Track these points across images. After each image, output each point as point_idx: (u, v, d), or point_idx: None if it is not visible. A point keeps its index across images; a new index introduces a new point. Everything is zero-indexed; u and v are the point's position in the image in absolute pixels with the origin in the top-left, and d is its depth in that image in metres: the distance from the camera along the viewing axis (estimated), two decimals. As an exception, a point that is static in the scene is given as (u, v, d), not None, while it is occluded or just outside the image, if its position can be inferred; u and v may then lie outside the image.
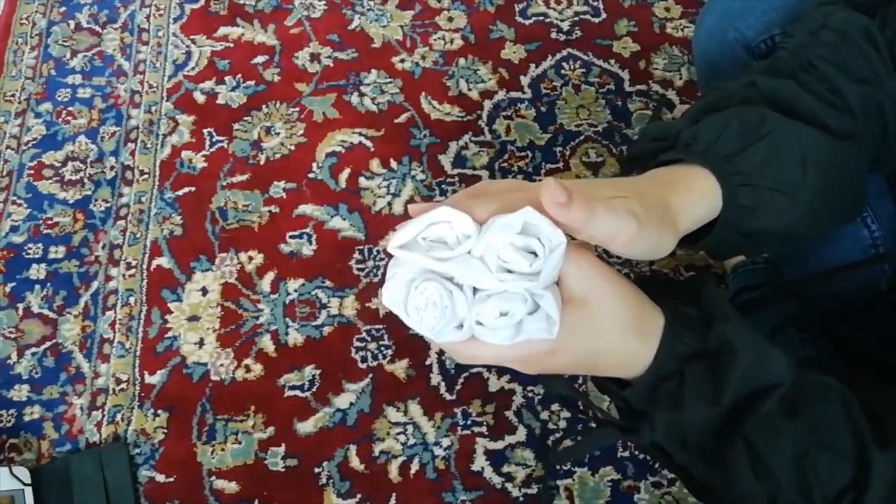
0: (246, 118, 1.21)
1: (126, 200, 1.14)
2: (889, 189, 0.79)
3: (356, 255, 1.10)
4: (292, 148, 1.18)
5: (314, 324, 1.04)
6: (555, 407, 0.99)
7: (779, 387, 0.46)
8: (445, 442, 0.97)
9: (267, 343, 1.03)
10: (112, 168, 1.17)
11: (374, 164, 1.17)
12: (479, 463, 0.96)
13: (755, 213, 0.51)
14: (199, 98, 1.23)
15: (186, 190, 1.14)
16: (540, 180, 0.48)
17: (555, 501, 0.94)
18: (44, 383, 1.00)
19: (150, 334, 1.03)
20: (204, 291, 1.07)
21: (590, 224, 0.43)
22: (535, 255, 0.42)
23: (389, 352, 1.02)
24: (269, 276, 1.08)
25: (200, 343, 1.03)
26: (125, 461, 0.94)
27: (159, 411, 0.98)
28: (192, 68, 1.26)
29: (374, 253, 1.10)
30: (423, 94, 1.24)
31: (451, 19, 1.32)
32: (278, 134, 1.19)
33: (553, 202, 0.42)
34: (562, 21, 1.32)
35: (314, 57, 1.27)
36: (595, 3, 1.34)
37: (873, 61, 0.55)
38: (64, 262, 1.09)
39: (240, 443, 0.97)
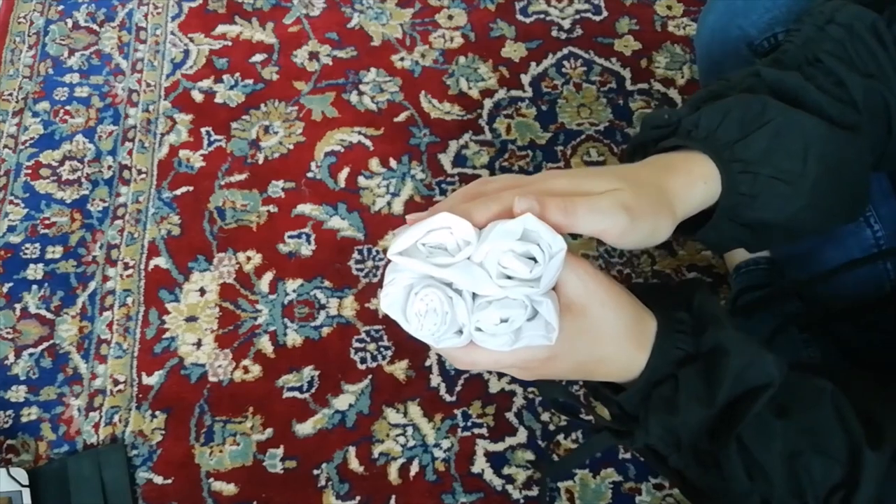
0: (244, 117, 1.20)
1: (123, 200, 1.13)
2: (893, 189, 0.78)
3: (355, 255, 1.09)
4: (291, 147, 1.17)
5: (313, 324, 1.04)
6: (564, 417, 0.98)
7: (769, 387, 0.47)
8: (445, 443, 0.96)
9: (265, 344, 1.02)
10: (110, 167, 1.16)
11: (374, 164, 1.16)
12: (480, 465, 0.95)
13: (755, 201, 0.50)
14: (197, 97, 1.22)
15: (184, 189, 1.14)
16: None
17: (556, 503, 0.93)
18: (41, 384, 1.00)
19: (148, 335, 1.03)
20: (202, 292, 1.06)
21: (572, 226, 0.43)
22: (535, 260, 0.42)
23: (389, 353, 1.01)
24: (268, 276, 1.07)
25: (198, 344, 1.02)
26: (123, 462, 0.94)
27: (157, 412, 0.98)
28: (190, 67, 1.25)
29: (374, 253, 1.09)
30: (423, 92, 1.23)
31: (451, 17, 1.31)
32: (277, 133, 1.19)
33: (523, 206, 0.42)
34: (563, 19, 1.31)
35: (313, 55, 1.27)
36: (596, 2, 1.33)
37: (880, 57, 0.55)
38: (61, 263, 1.08)
39: (238, 444, 0.96)
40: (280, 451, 0.96)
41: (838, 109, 0.53)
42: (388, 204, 1.13)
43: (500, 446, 0.96)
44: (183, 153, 1.17)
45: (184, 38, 1.28)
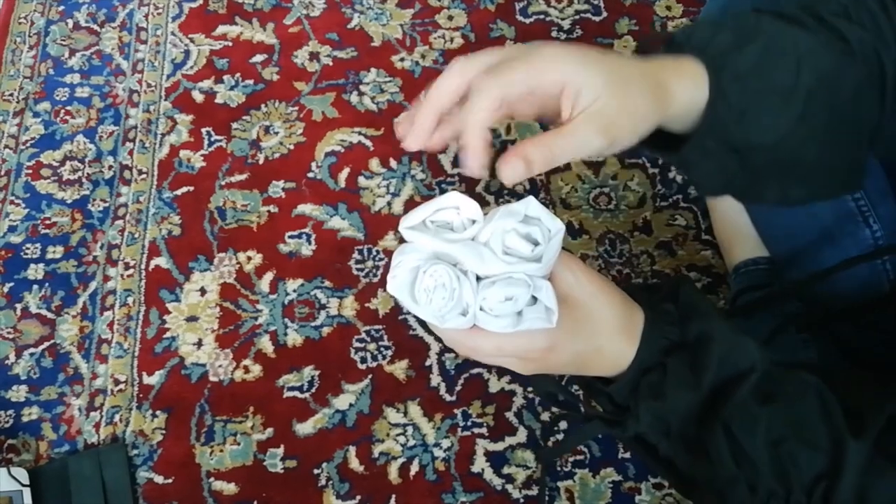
0: (245, 117, 1.20)
1: (124, 200, 1.13)
2: (892, 189, 0.79)
3: (355, 255, 1.09)
4: (291, 147, 1.18)
5: (313, 324, 1.04)
6: (555, 409, 0.98)
7: (752, 371, 0.50)
8: (445, 443, 0.96)
9: (266, 344, 1.03)
10: (110, 167, 1.16)
11: (374, 164, 1.16)
12: (480, 464, 0.95)
13: (744, 116, 0.49)
14: (198, 97, 1.22)
15: (185, 190, 1.14)
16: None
17: (555, 503, 0.93)
18: (42, 384, 1.00)
19: (149, 335, 1.03)
20: (202, 292, 1.06)
21: (557, 162, 0.45)
22: (536, 243, 0.45)
23: (389, 352, 1.02)
24: (268, 276, 1.07)
25: (199, 344, 1.02)
26: (124, 462, 0.94)
27: (158, 412, 0.98)
28: (191, 67, 1.25)
29: (374, 253, 1.09)
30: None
31: (451, 18, 1.31)
32: (277, 133, 1.19)
33: (516, 177, 0.44)
34: (562, 20, 1.31)
35: (313, 56, 1.27)
36: (596, 2, 1.33)
37: (882, 24, 0.54)
38: (62, 262, 1.08)
39: (239, 444, 0.96)
40: (280, 450, 0.96)
41: (835, 42, 0.52)
42: (389, 204, 1.13)
43: (499, 446, 0.96)
44: (183, 153, 1.17)
45: (184, 39, 1.28)
